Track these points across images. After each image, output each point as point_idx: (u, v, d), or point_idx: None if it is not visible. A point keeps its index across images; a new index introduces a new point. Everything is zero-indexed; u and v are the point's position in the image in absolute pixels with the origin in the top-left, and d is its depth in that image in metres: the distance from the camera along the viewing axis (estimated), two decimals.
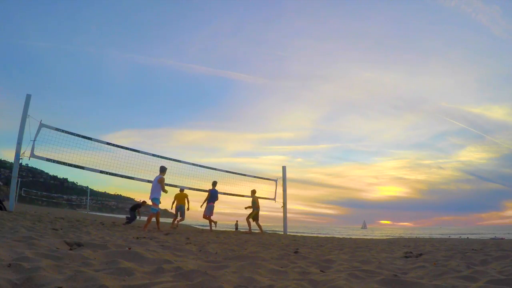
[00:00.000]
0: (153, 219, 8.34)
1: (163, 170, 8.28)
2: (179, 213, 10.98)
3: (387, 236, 19.82)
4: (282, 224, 13.02)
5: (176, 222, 11.01)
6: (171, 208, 11.20)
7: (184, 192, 11.02)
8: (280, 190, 13.14)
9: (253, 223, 10.66)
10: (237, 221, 16.89)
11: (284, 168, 13.32)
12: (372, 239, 12.59)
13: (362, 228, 61.25)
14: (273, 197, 13.09)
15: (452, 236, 15.82)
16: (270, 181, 13.43)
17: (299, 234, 13.96)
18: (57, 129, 8.76)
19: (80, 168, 8.91)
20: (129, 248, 2.87)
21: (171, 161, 10.66)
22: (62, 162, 8.67)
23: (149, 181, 10.02)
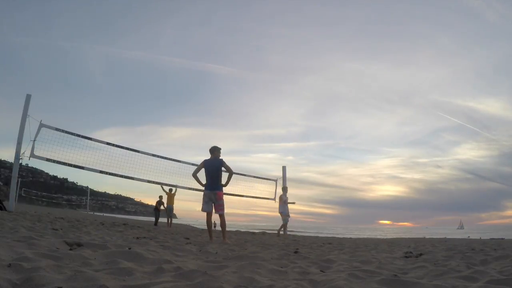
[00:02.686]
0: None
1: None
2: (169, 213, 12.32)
3: (387, 236, 19.84)
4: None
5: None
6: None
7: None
8: (280, 190, 13.15)
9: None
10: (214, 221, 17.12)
11: (284, 168, 13.33)
12: (372, 239, 12.60)
13: (458, 228, 59.72)
14: (273, 197, 13.10)
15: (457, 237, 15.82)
16: (270, 181, 13.43)
17: (299, 234, 13.97)
18: (57, 129, 8.76)
19: (80, 168, 8.92)
20: (129, 248, 2.87)
21: (171, 161, 10.68)
22: (62, 162, 8.68)
23: (148, 181, 10.04)
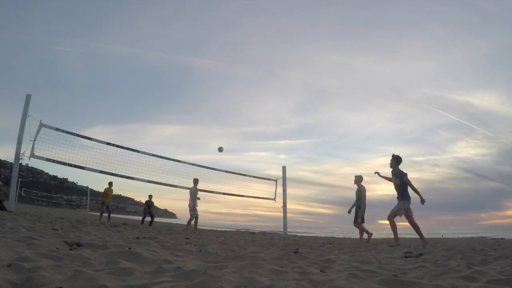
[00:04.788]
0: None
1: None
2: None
3: (387, 236, 19.82)
4: (282, 224, 13.04)
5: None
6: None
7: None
8: (280, 190, 13.16)
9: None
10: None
11: (284, 168, 13.34)
12: (372, 239, 12.57)
13: None
14: (273, 197, 13.11)
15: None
16: (268, 180, 13.44)
17: (299, 234, 13.97)
18: (57, 129, 8.77)
19: (80, 168, 8.92)
20: (129, 248, 2.87)
21: (170, 161, 10.68)
22: (62, 162, 8.68)
23: (148, 181, 10.04)
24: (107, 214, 12.20)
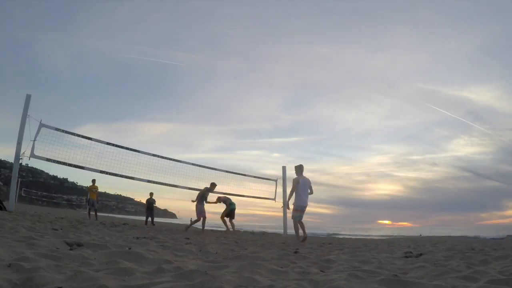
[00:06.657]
0: None
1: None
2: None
3: (387, 236, 19.84)
4: (282, 224, 13.04)
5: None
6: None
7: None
8: (280, 190, 13.16)
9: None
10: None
11: (284, 168, 13.33)
12: (372, 239, 12.62)
13: None
14: (273, 197, 13.12)
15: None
16: (270, 181, 13.45)
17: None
18: (57, 129, 8.77)
19: (80, 168, 8.92)
20: (129, 248, 2.87)
21: (170, 161, 10.68)
22: (62, 162, 8.68)
23: (149, 181, 10.05)
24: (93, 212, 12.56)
